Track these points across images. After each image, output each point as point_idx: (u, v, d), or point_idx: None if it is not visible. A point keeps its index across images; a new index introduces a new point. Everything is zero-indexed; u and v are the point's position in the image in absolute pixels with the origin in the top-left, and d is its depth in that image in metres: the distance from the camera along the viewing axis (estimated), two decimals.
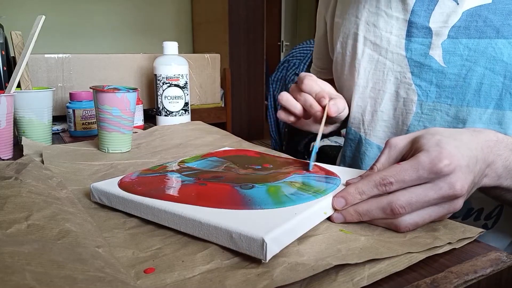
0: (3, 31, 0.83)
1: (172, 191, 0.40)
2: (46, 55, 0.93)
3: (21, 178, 0.40)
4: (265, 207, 0.35)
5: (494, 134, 0.40)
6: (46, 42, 2.52)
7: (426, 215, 0.35)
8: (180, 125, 0.84)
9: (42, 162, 0.56)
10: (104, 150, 0.64)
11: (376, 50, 0.58)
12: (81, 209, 0.38)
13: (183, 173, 0.45)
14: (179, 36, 3.29)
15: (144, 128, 0.88)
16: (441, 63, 0.52)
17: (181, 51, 0.93)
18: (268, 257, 0.29)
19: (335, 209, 0.37)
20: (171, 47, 0.88)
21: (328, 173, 0.46)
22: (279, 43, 5.07)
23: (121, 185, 0.42)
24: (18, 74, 0.63)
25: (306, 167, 0.48)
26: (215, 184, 0.42)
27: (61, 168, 0.54)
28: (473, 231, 0.35)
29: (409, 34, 0.55)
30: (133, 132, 0.68)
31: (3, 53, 0.80)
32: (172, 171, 0.46)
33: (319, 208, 0.36)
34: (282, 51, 5.01)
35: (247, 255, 0.31)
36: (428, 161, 0.33)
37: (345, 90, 0.65)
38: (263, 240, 0.29)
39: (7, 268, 0.22)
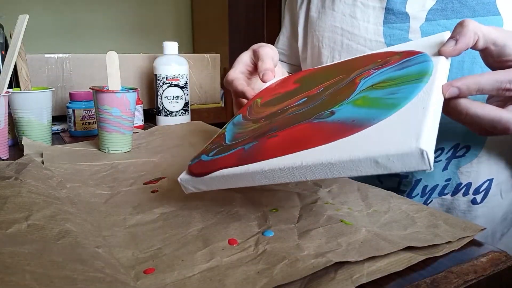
0: (3, 31, 0.83)
1: (271, 147, 0.33)
2: (46, 55, 0.93)
3: (21, 178, 0.40)
4: (377, 119, 0.29)
5: None
6: (46, 42, 2.52)
7: None
8: (180, 125, 0.84)
9: (43, 163, 0.56)
10: (105, 151, 0.64)
11: (355, 40, 0.60)
12: (81, 209, 0.38)
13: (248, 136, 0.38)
14: (179, 36, 3.29)
15: (144, 128, 0.88)
16: None
17: (181, 51, 0.93)
18: (432, 163, 0.25)
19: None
20: (171, 47, 0.88)
21: (408, 54, 0.38)
22: None
23: (204, 170, 0.36)
24: (8, 75, 0.62)
25: (385, 60, 0.40)
26: (289, 129, 0.34)
27: (61, 169, 0.54)
28: (474, 228, 0.35)
29: (386, 21, 0.56)
30: (133, 132, 0.68)
31: (3, 53, 0.80)
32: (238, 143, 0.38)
33: (437, 89, 0.31)
34: None
35: (246, 251, 0.31)
36: None
37: None
38: (422, 150, 0.25)
39: (7, 269, 0.22)
